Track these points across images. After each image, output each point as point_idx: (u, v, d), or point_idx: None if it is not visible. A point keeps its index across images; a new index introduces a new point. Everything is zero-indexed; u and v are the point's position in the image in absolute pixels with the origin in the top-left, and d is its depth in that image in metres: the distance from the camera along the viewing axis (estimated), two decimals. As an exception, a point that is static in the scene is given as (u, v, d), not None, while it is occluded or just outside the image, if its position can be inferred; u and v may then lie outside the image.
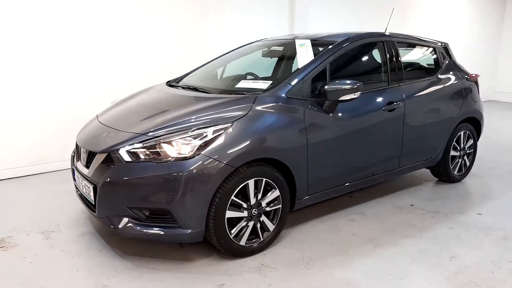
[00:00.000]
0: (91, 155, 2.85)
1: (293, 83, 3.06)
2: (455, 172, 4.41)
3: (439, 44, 4.33)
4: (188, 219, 2.59)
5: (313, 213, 3.59)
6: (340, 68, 3.51)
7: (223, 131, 2.66)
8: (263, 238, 2.93)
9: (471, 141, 4.49)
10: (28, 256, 2.86)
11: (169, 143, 2.60)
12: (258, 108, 2.86)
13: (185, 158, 2.56)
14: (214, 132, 2.64)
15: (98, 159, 2.75)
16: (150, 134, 2.67)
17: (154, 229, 2.65)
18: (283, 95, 2.99)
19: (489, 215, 3.62)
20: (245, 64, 4.18)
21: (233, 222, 2.78)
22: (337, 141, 3.24)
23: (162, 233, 2.64)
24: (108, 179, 2.63)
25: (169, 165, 2.55)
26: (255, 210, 2.83)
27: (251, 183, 2.76)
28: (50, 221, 3.40)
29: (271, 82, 3.21)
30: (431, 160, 4.14)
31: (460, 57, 5.40)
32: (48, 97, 4.54)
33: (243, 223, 2.80)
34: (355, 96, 3.09)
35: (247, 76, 3.88)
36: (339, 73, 3.47)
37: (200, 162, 2.55)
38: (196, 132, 2.63)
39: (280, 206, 2.97)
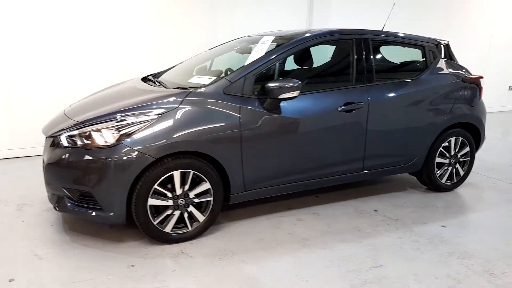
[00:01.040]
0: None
1: (232, 80, 3.12)
2: (443, 181, 4.12)
3: (430, 43, 4.03)
4: (109, 202, 2.82)
5: (263, 210, 3.63)
6: (296, 66, 3.48)
7: (148, 123, 2.83)
8: (191, 228, 3.07)
9: (466, 149, 4.15)
10: (-6, 223, 3.31)
11: (98, 131, 2.83)
12: (189, 103, 2.98)
13: (108, 146, 2.78)
14: (138, 123, 2.82)
15: (47, 143, 3.08)
16: (86, 123, 2.93)
17: (85, 209, 2.91)
18: (219, 91, 3.07)
19: (454, 229, 3.37)
20: (229, 60, 4.27)
21: (160, 209, 2.95)
22: (280, 140, 3.24)
23: (93, 213, 2.90)
24: (49, 161, 2.95)
25: (93, 151, 2.79)
26: (182, 200, 2.97)
27: (176, 174, 2.91)
28: (30, 196, 3.83)
29: (215, 78, 3.29)
30: (410, 166, 3.93)
31: None
32: (62, 83, 5.04)
33: (168, 212, 2.96)
34: (294, 95, 3.07)
35: (228, 72, 3.98)
36: (294, 72, 3.45)
37: (120, 151, 2.76)
38: (122, 123, 2.83)
39: (211, 198, 3.07)
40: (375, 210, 3.70)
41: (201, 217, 3.08)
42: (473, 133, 4.21)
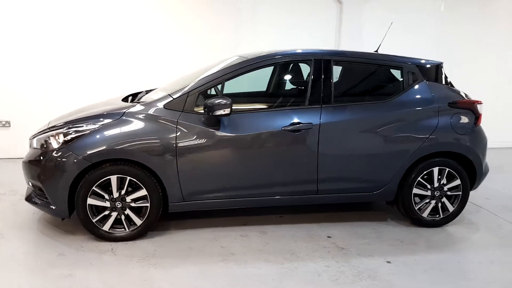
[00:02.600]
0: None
1: (175, 96, 3.37)
2: (425, 215, 3.76)
3: (411, 64, 3.76)
4: (54, 198, 3.25)
5: (217, 222, 3.74)
6: (248, 85, 3.58)
7: (88, 131, 3.22)
8: (128, 230, 3.35)
9: (456, 182, 3.74)
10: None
11: (53, 136, 3.31)
12: (129, 116, 3.30)
13: (56, 150, 3.23)
14: (81, 131, 3.23)
15: (29, 144, 3.66)
16: (50, 129, 3.44)
17: (41, 202, 3.39)
18: (160, 106, 3.34)
19: (397, 266, 3.09)
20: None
21: (100, 209, 3.30)
22: (219, 155, 3.36)
23: (44, 206, 3.36)
24: (24, 159, 3.52)
25: (47, 154, 3.26)
26: (119, 203, 3.28)
27: (113, 178, 3.23)
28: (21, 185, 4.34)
29: (167, 94, 3.53)
30: (379, 194, 3.69)
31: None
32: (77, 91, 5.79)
33: (106, 212, 3.29)
34: (226, 112, 3.20)
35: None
36: (245, 90, 3.56)
37: (62, 154, 3.19)
38: (69, 130, 3.26)
39: (148, 205, 3.32)
40: (328, 237, 3.55)
41: (138, 221, 3.34)
42: (467, 165, 3.78)
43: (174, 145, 3.26)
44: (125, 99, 3.89)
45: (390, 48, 4.30)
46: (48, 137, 3.32)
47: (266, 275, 2.91)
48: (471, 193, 3.88)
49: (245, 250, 3.26)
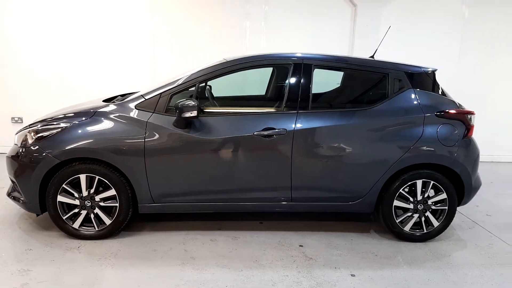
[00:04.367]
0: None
1: (147, 96, 3.38)
2: (406, 229, 3.57)
3: (398, 71, 3.58)
4: (26, 193, 3.34)
5: (191, 226, 3.71)
6: (223, 88, 3.54)
7: (60, 129, 3.28)
8: (98, 228, 3.38)
9: (441, 195, 3.53)
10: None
11: (29, 133, 3.40)
12: (100, 115, 3.34)
13: (26, 146, 3.31)
14: (52, 129, 3.30)
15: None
16: (32, 125, 3.53)
17: (18, 197, 3.49)
18: (131, 106, 3.36)
19: (360, 280, 2.94)
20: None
21: (70, 207, 3.36)
22: (189, 158, 3.34)
23: (19, 201, 3.45)
24: (7, 154, 3.64)
25: (23, 150, 3.35)
26: (88, 202, 3.32)
27: (82, 177, 3.28)
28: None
29: (139, 95, 3.52)
30: (357, 205, 3.53)
31: None
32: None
33: (75, 210, 3.34)
34: (193, 115, 3.17)
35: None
36: (219, 93, 3.51)
37: (35, 151, 3.26)
38: (42, 127, 3.34)
39: (117, 205, 3.34)
40: (300, 245, 3.44)
41: (107, 221, 3.37)
42: (455, 179, 3.56)
43: (143, 146, 3.26)
44: (109, 100, 3.94)
45: (407, 54, 4.12)
46: (25, 134, 3.41)
47: (220, 281, 2.85)
48: (470, 207, 3.67)
49: (207, 255, 3.22)
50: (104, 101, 3.80)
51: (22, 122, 6.06)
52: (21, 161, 3.33)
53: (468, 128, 3.54)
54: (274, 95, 3.75)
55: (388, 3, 6.29)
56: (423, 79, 3.62)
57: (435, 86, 3.65)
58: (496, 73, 6.54)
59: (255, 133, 3.33)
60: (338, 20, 6.29)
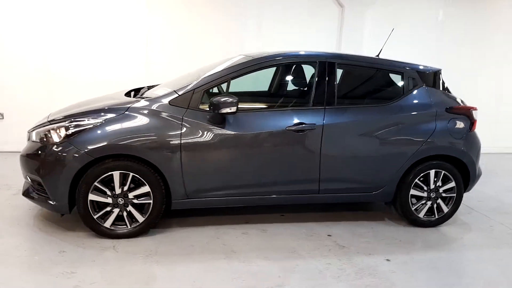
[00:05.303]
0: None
1: (180, 92, 3.37)
2: (420, 215, 3.84)
3: (412, 69, 3.85)
4: (53, 192, 3.20)
5: (219, 220, 3.75)
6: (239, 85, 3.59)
7: (91, 125, 3.18)
8: (130, 227, 3.32)
9: (450, 184, 3.84)
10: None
11: (54, 130, 3.25)
12: (133, 111, 3.27)
13: (57, 144, 3.17)
14: (83, 125, 3.18)
15: (28, 137, 3.58)
16: (50, 122, 3.37)
17: (39, 197, 3.33)
18: (165, 102, 3.33)
19: (396, 265, 3.16)
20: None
21: (101, 205, 3.26)
22: (224, 153, 3.38)
23: (43, 201, 3.30)
24: (22, 152, 3.44)
25: (47, 147, 3.21)
26: (121, 199, 3.25)
27: (116, 174, 3.20)
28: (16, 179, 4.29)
29: (172, 91, 3.50)
30: (378, 195, 3.76)
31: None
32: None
33: (108, 208, 3.25)
34: (232, 110, 3.21)
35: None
36: (250, 90, 3.57)
37: (65, 148, 3.14)
38: (71, 124, 3.21)
39: (151, 201, 3.30)
40: (328, 235, 3.60)
41: (140, 218, 3.32)
42: (461, 168, 3.89)
43: (179, 142, 3.24)
44: (127, 94, 3.86)
45: (392, 53, 4.38)
46: (49, 131, 3.26)
47: (269, 271, 2.95)
48: (465, 195, 3.99)
49: (246, 248, 3.28)
50: (125, 95, 3.72)
51: (2, 118, 5.68)
52: (46, 159, 3.19)
53: (473, 122, 3.89)
54: (298, 92, 3.86)
55: (372, 4, 6.60)
56: (431, 78, 3.91)
57: (441, 84, 3.96)
58: (472, 72, 7.06)
59: (287, 128, 3.43)
60: (325, 20, 6.49)
